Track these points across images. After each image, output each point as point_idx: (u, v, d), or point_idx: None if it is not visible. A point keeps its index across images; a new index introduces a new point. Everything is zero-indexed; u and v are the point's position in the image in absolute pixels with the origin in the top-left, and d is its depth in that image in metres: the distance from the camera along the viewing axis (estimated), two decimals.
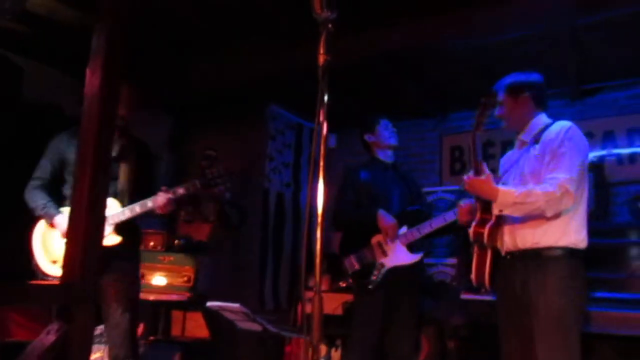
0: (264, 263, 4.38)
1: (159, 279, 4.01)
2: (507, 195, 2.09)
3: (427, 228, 2.89)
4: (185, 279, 4.11)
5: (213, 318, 3.82)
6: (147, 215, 2.70)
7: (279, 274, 4.52)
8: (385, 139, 3.12)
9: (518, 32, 3.35)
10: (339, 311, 3.68)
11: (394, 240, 2.94)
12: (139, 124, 4.23)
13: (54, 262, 2.62)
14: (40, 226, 2.69)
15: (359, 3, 3.17)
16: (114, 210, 2.63)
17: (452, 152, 4.51)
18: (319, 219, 1.25)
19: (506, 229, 2.19)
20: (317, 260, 1.25)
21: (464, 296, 3.32)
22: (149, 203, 2.63)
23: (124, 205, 2.67)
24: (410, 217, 2.99)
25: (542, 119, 2.29)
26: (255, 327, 2.62)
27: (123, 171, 2.75)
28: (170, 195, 2.63)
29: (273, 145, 4.55)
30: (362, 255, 3.05)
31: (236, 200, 4.46)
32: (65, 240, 2.62)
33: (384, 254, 2.97)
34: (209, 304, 2.73)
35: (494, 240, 2.19)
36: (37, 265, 2.65)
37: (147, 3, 3.20)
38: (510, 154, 2.44)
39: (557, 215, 2.06)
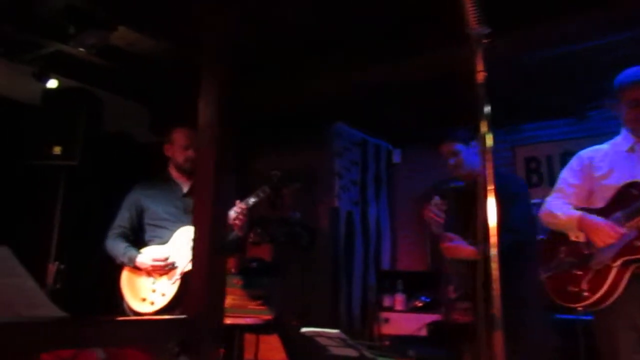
0: (336, 283, 4.31)
1: (232, 302, 3.98)
2: None
3: None
4: (259, 301, 4.07)
5: (290, 341, 3.75)
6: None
7: (351, 294, 4.43)
8: None
9: (595, 40, 3.22)
10: (423, 332, 3.55)
11: None
12: None
13: (143, 300, 2.73)
14: (125, 270, 2.81)
15: (424, 23, 3.13)
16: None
17: (527, 164, 4.36)
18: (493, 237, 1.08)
19: None
20: (495, 285, 1.06)
21: None
22: None
23: None
24: None
25: None
26: (351, 352, 2.53)
27: None
28: (243, 206, 2.71)
29: (340, 162, 4.50)
30: None
31: (305, 220, 4.42)
32: (148, 277, 2.73)
33: None
34: (303, 329, 2.67)
35: None
36: (128, 306, 2.74)
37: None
38: (618, 154, 2.15)
39: None
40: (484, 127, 1.20)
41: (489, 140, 1.24)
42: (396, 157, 5.10)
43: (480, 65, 1.22)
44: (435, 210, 2.60)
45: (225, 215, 1.75)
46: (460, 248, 2.49)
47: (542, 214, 2.24)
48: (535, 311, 2.57)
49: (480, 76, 1.23)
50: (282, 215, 4.34)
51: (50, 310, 1.45)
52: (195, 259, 1.69)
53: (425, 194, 4.83)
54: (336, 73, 3.82)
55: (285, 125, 4.64)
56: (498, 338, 1.01)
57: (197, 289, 1.65)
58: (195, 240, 1.70)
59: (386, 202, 4.98)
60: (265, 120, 4.71)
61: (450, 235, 2.53)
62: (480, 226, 1.12)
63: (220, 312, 1.67)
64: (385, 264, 4.86)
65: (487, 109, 1.24)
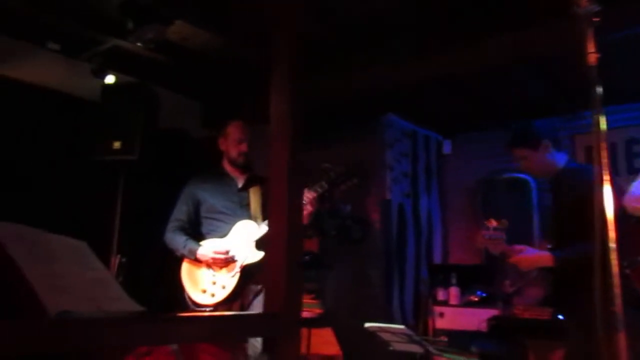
0: (389, 277, 4.24)
1: None
2: None
3: None
4: (312, 294, 4.06)
5: (345, 336, 3.72)
6: None
7: (404, 287, 4.36)
8: None
9: None
10: (483, 327, 3.45)
11: None
12: (254, 140, 4.27)
13: (203, 291, 2.76)
14: (185, 262, 2.84)
15: (483, 8, 3.01)
16: (253, 228, 2.78)
17: (586, 153, 4.17)
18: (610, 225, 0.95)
19: None
20: (615, 281, 0.94)
21: None
22: None
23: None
24: None
25: None
26: (416, 349, 2.47)
27: (253, 199, 2.93)
28: (313, 194, 2.72)
29: (391, 154, 4.42)
30: None
31: (356, 213, 4.36)
32: (208, 269, 2.75)
33: None
34: (367, 324, 2.62)
35: None
36: (189, 297, 2.78)
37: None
38: None
39: None
40: (595, 111, 1.12)
41: (603, 124, 1.15)
42: (446, 148, 4.98)
43: (591, 46, 1.13)
44: (490, 234, 2.46)
45: (302, 208, 1.72)
46: (533, 258, 2.36)
47: (629, 199, 2.11)
48: (627, 310, 2.43)
49: (593, 58, 1.14)
50: (332, 208, 4.30)
51: (127, 302, 1.45)
52: (272, 254, 1.67)
53: (474, 190, 4.71)
54: (388, 65, 3.74)
55: (335, 117, 4.58)
56: (622, 339, 0.92)
57: (276, 286, 1.62)
58: (273, 234, 1.67)
59: (437, 193, 4.87)
60: (315, 112, 4.65)
61: (516, 247, 2.39)
62: (598, 218, 1.03)
63: (299, 306, 1.64)
64: (437, 257, 4.76)
65: (599, 89, 1.15)
